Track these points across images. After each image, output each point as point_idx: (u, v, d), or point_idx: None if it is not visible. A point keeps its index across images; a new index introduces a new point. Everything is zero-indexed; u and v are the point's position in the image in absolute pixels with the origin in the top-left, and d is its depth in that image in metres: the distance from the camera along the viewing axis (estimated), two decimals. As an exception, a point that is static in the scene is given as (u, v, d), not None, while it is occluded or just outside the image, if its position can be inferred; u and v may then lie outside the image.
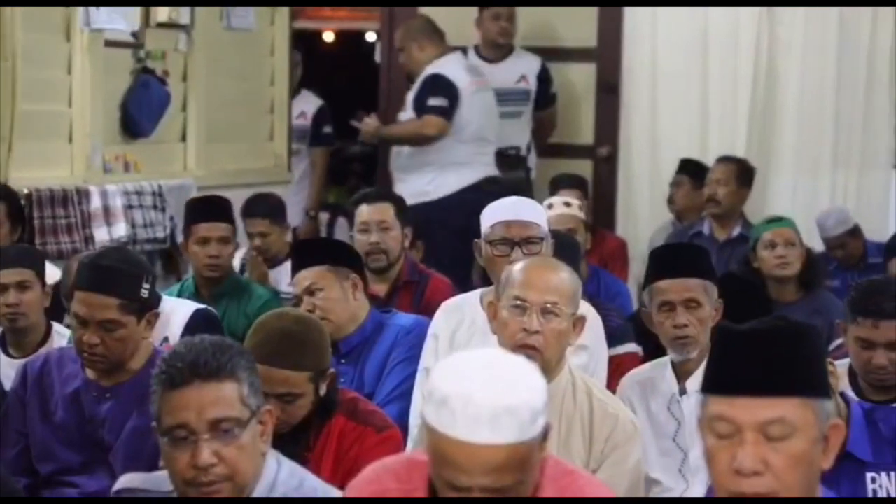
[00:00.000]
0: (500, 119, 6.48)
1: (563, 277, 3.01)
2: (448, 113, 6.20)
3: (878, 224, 6.27)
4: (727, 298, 3.52)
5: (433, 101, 6.20)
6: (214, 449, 2.28)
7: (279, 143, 6.63)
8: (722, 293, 3.52)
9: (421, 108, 6.24)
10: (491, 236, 3.73)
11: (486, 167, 6.31)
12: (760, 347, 1.95)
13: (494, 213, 3.79)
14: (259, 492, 2.38)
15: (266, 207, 5.54)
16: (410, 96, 6.32)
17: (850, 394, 3.13)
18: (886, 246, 4.52)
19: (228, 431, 2.29)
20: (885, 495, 2.82)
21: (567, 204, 5.09)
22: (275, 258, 5.42)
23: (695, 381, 3.46)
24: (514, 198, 3.92)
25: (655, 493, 3.51)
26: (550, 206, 5.07)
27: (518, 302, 2.98)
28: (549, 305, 2.96)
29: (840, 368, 3.37)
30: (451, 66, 6.29)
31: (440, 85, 6.21)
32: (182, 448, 2.29)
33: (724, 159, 6.12)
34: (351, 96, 9.02)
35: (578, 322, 3.03)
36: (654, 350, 3.94)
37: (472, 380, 2.07)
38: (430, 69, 6.25)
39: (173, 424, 2.29)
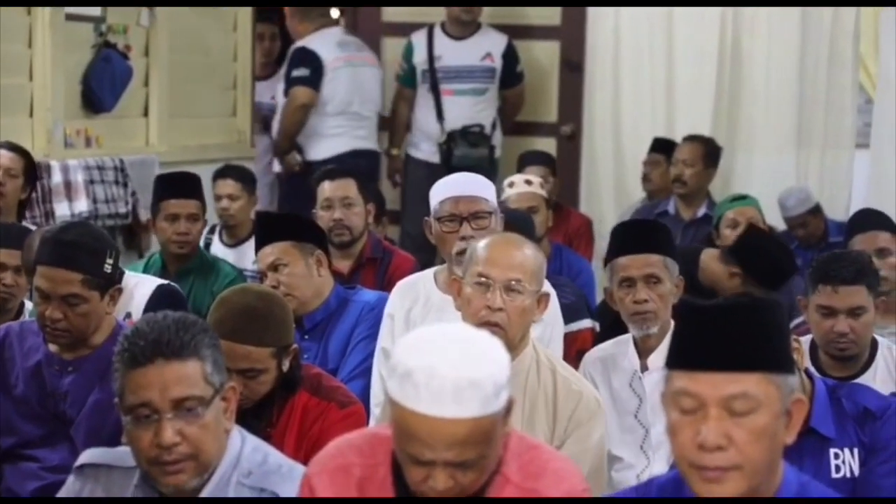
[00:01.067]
0: (464, 96, 6.47)
1: (528, 254, 3.01)
2: (311, 82, 6.41)
3: (840, 203, 6.31)
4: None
5: (296, 73, 6.45)
6: (178, 428, 2.27)
7: (242, 118, 6.59)
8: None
9: (287, 81, 6.49)
10: (440, 213, 3.73)
11: (355, 140, 6.50)
12: (724, 323, 1.95)
13: (443, 190, 3.78)
14: (223, 467, 2.37)
15: (238, 172, 5.58)
16: None
17: (813, 370, 3.15)
18: (847, 224, 4.55)
19: (192, 410, 2.27)
20: (847, 471, 2.84)
21: (528, 182, 5.09)
22: (239, 227, 5.39)
23: (656, 358, 3.48)
24: (462, 174, 3.91)
25: (617, 469, 3.53)
26: (512, 185, 5.08)
27: (482, 279, 2.98)
28: (512, 283, 2.96)
29: (803, 346, 3.40)
30: (319, 41, 6.46)
31: (302, 57, 6.46)
32: (145, 427, 2.28)
33: (691, 139, 6.13)
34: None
35: (543, 299, 3.03)
36: (613, 328, 3.97)
37: (435, 354, 2.07)
38: (298, 43, 6.50)
39: (136, 403, 2.28)
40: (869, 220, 4.37)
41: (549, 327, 3.75)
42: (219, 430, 2.33)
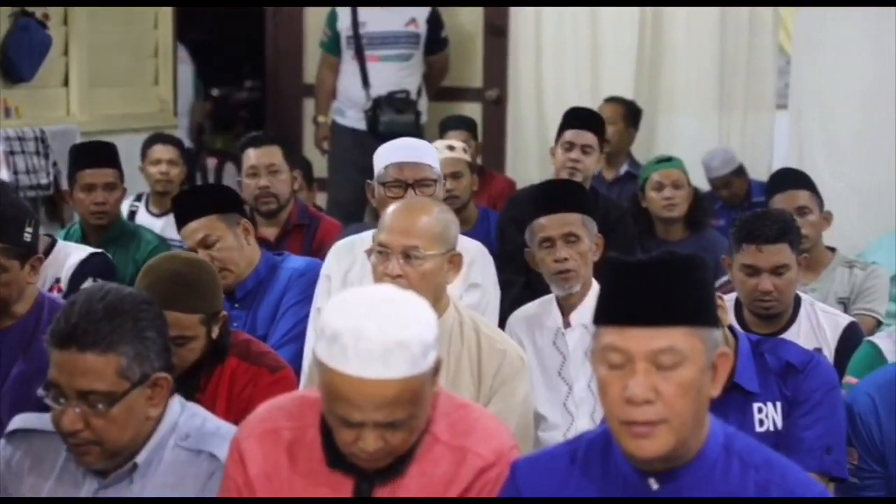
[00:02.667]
0: (389, 63, 6.46)
1: (426, 219, 2.97)
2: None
3: (762, 164, 6.38)
4: None
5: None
6: (82, 415, 2.27)
7: (164, 87, 6.53)
8: None
9: None
10: (384, 177, 3.72)
11: None
12: (650, 278, 1.98)
13: (388, 155, 3.77)
14: (160, 434, 2.38)
15: (174, 139, 5.54)
16: None
17: (736, 327, 3.20)
18: (767, 184, 4.61)
19: (95, 404, 2.27)
20: (770, 424, 2.89)
21: (451, 147, 5.09)
22: (171, 196, 5.34)
23: (579, 316, 3.51)
24: (408, 139, 3.90)
25: (543, 429, 3.56)
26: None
27: (380, 247, 2.98)
28: (409, 249, 2.94)
29: (727, 303, 3.44)
30: None
31: None
32: (54, 404, 2.29)
33: (611, 100, 6.18)
34: (238, 40, 8.93)
35: (455, 259, 3.01)
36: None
37: (363, 315, 2.07)
38: None
39: (51, 380, 2.29)
40: (788, 179, 4.42)
41: (486, 294, 3.76)
42: (133, 420, 2.32)
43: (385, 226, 3.00)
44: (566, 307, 3.58)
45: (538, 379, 3.56)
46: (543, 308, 3.63)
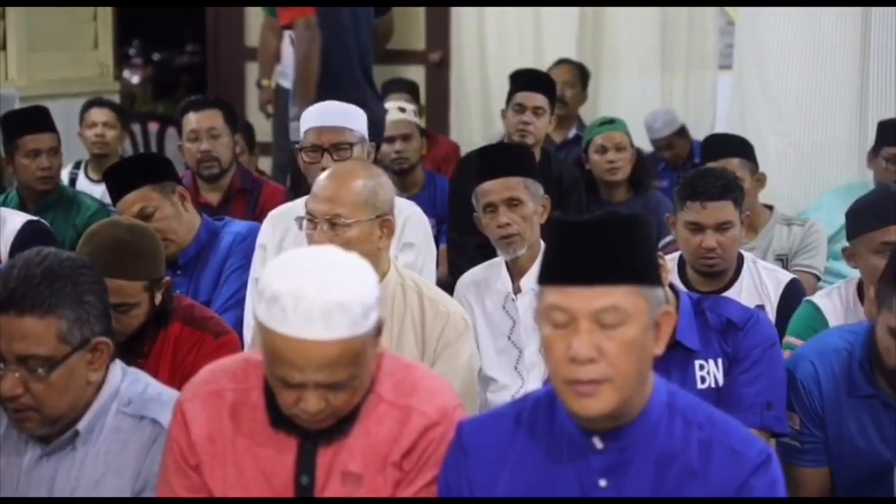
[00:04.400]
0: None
1: (351, 186, 2.96)
2: None
3: (705, 124, 6.41)
4: None
5: None
6: (21, 380, 2.26)
7: (104, 51, 6.46)
8: None
9: None
10: (304, 142, 3.71)
11: None
12: (593, 238, 1.98)
13: (309, 120, 3.76)
14: (101, 400, 2.37)
15: (111, 103, 5.50)
16: None
17: (680, 285, 3.22)
18: (700, 150, 4.61)
19: (34, 369, 2.26)
20: (712, 381, 2.91)
21: (402, 109, 5.09)
22: (110, 159, 5.29)
23: (528, 280, 3.52)
24: (331, 102, 3.87)
25: (492, 390, 3.57)
26: (385, 112, 5.06)
27: (308, 216, 2.97)
28: (334, 217, 2.93)
29: (669, 263, 3.46)
30: None
31: None
32: None
33: (564, 61, 6.17)
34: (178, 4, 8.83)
35: (387, 223, 3.00)
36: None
37: (302, 277, 2.07)
38: None
39: None
40: (719, 147, 4.41)
41: (421, 255, 3.76)
42: (74, 384, 2.31)
43: (312, 194, 2.99)
44: (515, 272, 3.59)
45: (488, 343, 3.57)
46: (492, 272, 3.63)
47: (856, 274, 3.40)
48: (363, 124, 3.78)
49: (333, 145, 3.66)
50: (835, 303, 3.35)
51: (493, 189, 3.55)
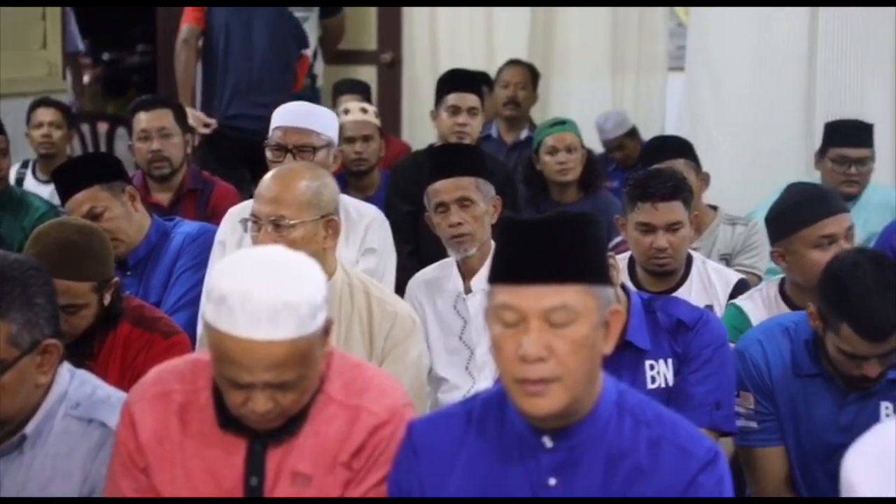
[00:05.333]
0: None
1: (294, 187, 2.95)
2: None
3: (655, 126, 6.44)
4: None
5: None
6: None
7: (53, 51, 6.40)
8: None
9: None
10: (270, 141, 3.70)
11: None
12: (543, 236, 1.99)
13: (277, 118, 3.75)
14: (48, 403, 2.35)
15: (58, 103, 5.45)
16: None
17: (630, 286, 3.24)
18: (643, 152, 4.63)
19: None
20: (662, 381, 2.93)
21: (364, 110, 5.09)
22: (57, 160, 5.24)
23: (479, 280, 3.53)
24: (301, 104, 3.87)
25: (443, 390, 3.58)
26: (347, 112, 5.06)
27: (253, 217, 2.97)
28: (278, 219, 2.93)
29: (620, 263, 3.48)
30: None
31: None
32: None
33: (516, 63, 6.18)
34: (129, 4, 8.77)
35: (332, 223, 2.99)
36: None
37: (250, 277, 2.07)
38: None
39: None
40: (662, 150, 4.44)
41: (383, 259, 3.76)
42: (23, 387, 2.29)
43: (256, 194, 2.99)
44: (467, 272, 3.59)
45: (439, 343, 3.57)
46: (443, 272, 3.64)
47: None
48: (333, 128, 3.76)
49: (297, 147, 3.65)
50: (757, 304, 3.40)
51: (444, 188, 3.56)
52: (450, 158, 3.65)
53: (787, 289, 3.39)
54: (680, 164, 4.23)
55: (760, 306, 3.38)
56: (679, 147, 4.43)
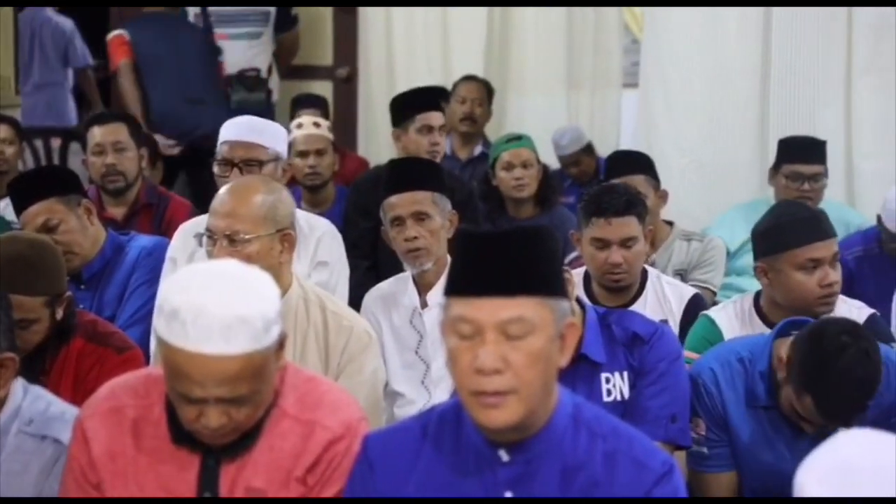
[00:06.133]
0: (239, 40, 6.38)
1: (250, 201, 2.93)
2: None
3: (610, 142, 6.47)
4: None
5: None
6: None
7: (5, 64, 6.35)
8: None
9: None
10: (217, 154, 3.69)
11: None
12: (499, 249, 1.99)
13: (224, 132, 3.73)
14: (3, 419, 2.34)
15: (9, 119, 5.43)
16: None
17: (586, 300, 3.24)
18: (604, 166, 4.66)
19: None
20: (618, 394, 2.94)
21: (317, 124, 5.09)
22: (10, 176, 5.19)
23: (435, 294, 3.52)
24: (248, 118, 3.85)
25: (399, 405, 3.57)
26: (300, 126, 5.06)
27: (208, 232, 2.95)
28: (233, 233, 2.91)
29: (575, 277, 3.49)
30: None
31: None
32: None
33: (472, 78, 6.19)
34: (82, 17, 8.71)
35: (287, 237, 2.98)
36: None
37: (202, 291, 2.06)
38: None
39: None
40: (623, 164, 4.46)
41: (335, 272, 3.75)
42: None
43: (211, 209, 2.97)
44: (423, 286, 3.59)
45: (395, 357, 3.56)
46: (399, 287, 3.63)
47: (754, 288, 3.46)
48: (281, 142, 3.75)
49: (244, 161, 3.63)
50: (730, 316, 3.40)
51: (400, 203, 3.55)
52: (407, 172, 3.65)
53: (763, 304, 3.39)
54: (639, 180, 4.25)
55: (733, 319, 3.39)
56: (639, 162, 4.45)
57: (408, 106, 4.74)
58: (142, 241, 3.88)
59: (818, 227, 3.31)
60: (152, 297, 3.69)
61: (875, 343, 2.78)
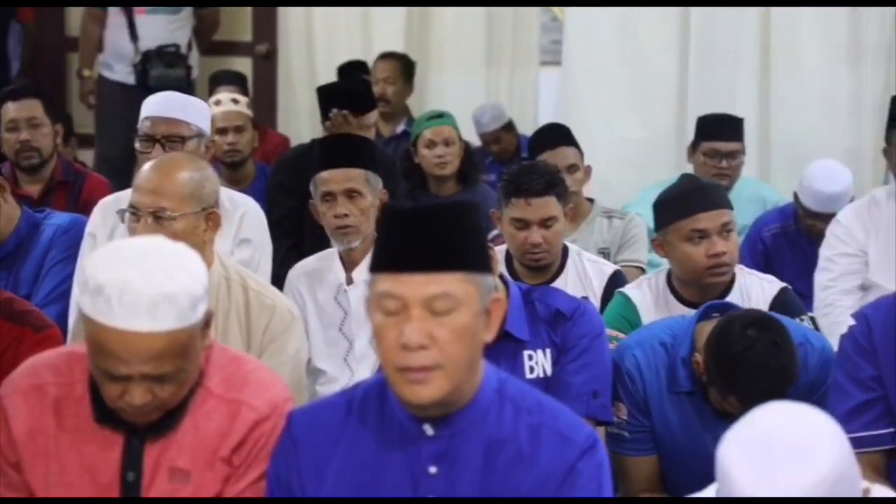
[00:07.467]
0: (157, 15, 6.30)
1: (176, 178, 2.90)
2: None
3: (528, 119, 6.49)
4: None
5: None
6: None
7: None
8: None
9: None
10: (140, 131, 3.64)
11: None
12: (424, 225, 1.98)
13: (146, 108, 3.69)
14: None
15: None
16: None
17: (508, 276, 3.25)
18: (532, 140, 4.68)
19: None
20: (540, 371, 2.95)
21: (235, 101, 5.05)
22: None
23: (361, 271, 3.51)
24: (170, 93, 3.81)
25: (321, 382, 3.56)
26: (219, 103, 5.01)
27: (131, 208, 2.92)
28: (158, 210, 2.88)
29: (498, 255, 3.49)
30: None
31: None
32: None
33: (388, 56, 6.17)
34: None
35: (213, 216, 2.95)
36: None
37: (128, 267, 2.03)
38: None
39: None
40: (554, 136, 4.49)
41: (258, 250, 3.73)
42: None
43: (135, 185, 2.93)
44: (349, 263, 3.58)
45: (318, 334, 3.55)
46: (325, 263, 3.62)
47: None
48: (204, 118, 3.71)
49: (166, 137, 3.59)
50: (645, 293, 3.43)
51: (332, 178, 3.53)
52: (341, 149, 3.63)
53: (673, 279, 3.43)
54: (570, 152, 4.29)
55: (648, 296, 3.41)
56: (568, 134, 4.48)
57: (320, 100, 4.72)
58: (58, 218, 3.84)
59: (703, 197, 3.32)
60: (69, 275, 3.66)
61: (782, 329, 2.77)
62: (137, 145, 3.63)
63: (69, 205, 4.43)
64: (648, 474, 2.99)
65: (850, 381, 2.65)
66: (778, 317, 2.90)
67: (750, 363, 2.70)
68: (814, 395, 2.85)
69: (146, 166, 2.97)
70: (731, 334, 2.74)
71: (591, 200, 4.48)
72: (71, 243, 3.70)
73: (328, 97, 4.74)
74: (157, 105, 3.67)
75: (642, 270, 4.26)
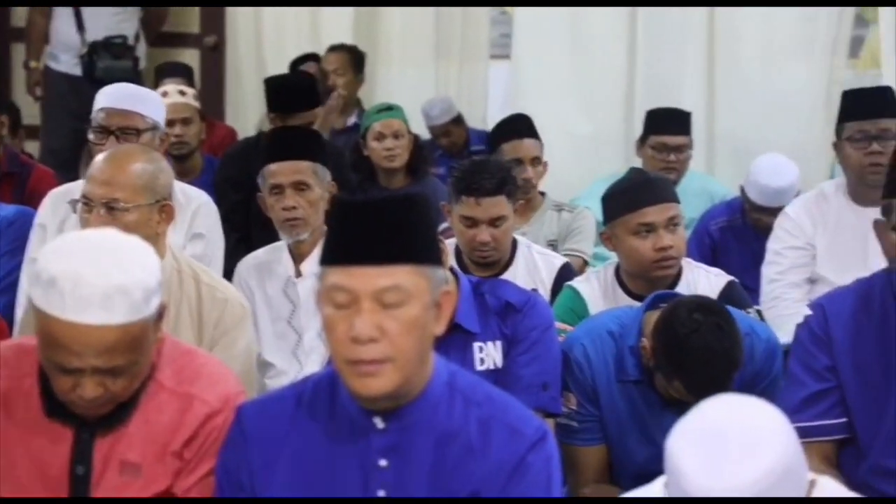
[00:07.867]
0: (104, 6, 6.25)
1: (130, 169, 2.89)
2: None
3: (477, 113, 6.50)
4: None
5: None
6: None
7: None
8: None
9: None
10: (93, 122, 3.62)
11: None
12: (374, 217, 1.99)
13: (100, 100, 3.67)
14: None
15: None
16: None
17: (457, 269, 3.26)
18: (494, 132, 4.69)
19: None
20: (491, 363, 2.96)
21: (182, 93, 5.01)
22: None
23: (311, 264, 3.51)
24: (125, 85, 3.79)
25: (270, 375, 3.55)
26: (165, 94, 4.97)
27: (84, 199, 2.90)
28: (111, 202, 2.87)
29: (448, 247, 3.50)
30: None
31: None
32: None
33: (337, 48, 6.16)
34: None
35: (166, 208, 2.94)
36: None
37: (81, 259, 2.02)
38: None
39: None
40: (518, 127, 4.51)
41: (211, 244, 3.71)
42: None
43: (88, 176, 2.91)
44: (297, 256, 3.58)
45: (267, 327, 3.55)
46: (274, 255, 3.61)
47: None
48: (158, 111, 3.69)
49: (121, 129, 3.57)
50: (593, 286, 3.45)
51: (281, 171, 3.53)
52: (289, 141, 3.63)
53: (621, 273, 3.45)
54: (531, 143, 4.31)
55: (597, 289, 3.43)
56: (530, 126, 4.50)
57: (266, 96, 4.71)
58: (4, 210, 3.82)
59: (649, 191, 3.34)
60: (15, 267, 3.63)
61: (727, 315, 2.80)
62: (91, 136, 3.61)
63: (14, 196, 4.39)
64: (597, 465, 3.00)
65: (805, 371, 2.67)
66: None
67: (695, 346, 2.73)
68: (759, 385, 2.88)
69: (99, 157, 2.95)
70: (677, 318, 2.77)
71: (542, 194, 4.50)
72: (17, 235, 3.67)
73: (272, 92, 4.73)
74: (113, 97, 3.65)
75: (585, 262, 4.29)
